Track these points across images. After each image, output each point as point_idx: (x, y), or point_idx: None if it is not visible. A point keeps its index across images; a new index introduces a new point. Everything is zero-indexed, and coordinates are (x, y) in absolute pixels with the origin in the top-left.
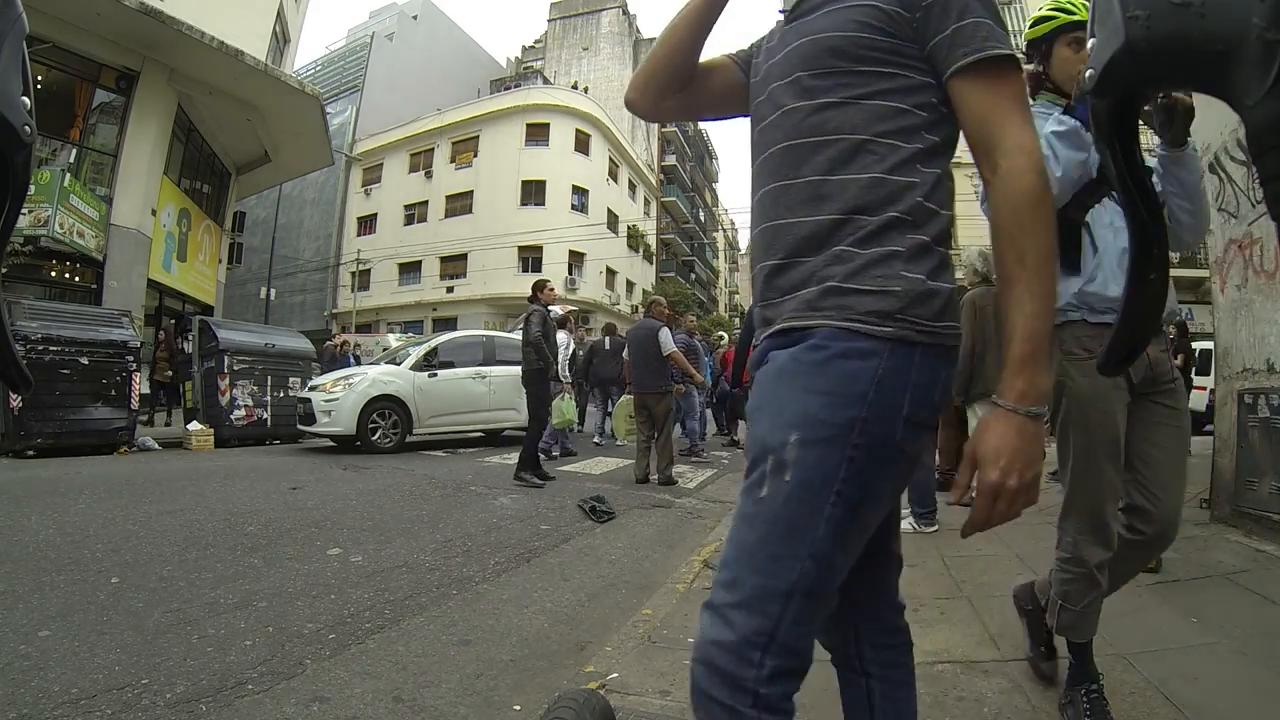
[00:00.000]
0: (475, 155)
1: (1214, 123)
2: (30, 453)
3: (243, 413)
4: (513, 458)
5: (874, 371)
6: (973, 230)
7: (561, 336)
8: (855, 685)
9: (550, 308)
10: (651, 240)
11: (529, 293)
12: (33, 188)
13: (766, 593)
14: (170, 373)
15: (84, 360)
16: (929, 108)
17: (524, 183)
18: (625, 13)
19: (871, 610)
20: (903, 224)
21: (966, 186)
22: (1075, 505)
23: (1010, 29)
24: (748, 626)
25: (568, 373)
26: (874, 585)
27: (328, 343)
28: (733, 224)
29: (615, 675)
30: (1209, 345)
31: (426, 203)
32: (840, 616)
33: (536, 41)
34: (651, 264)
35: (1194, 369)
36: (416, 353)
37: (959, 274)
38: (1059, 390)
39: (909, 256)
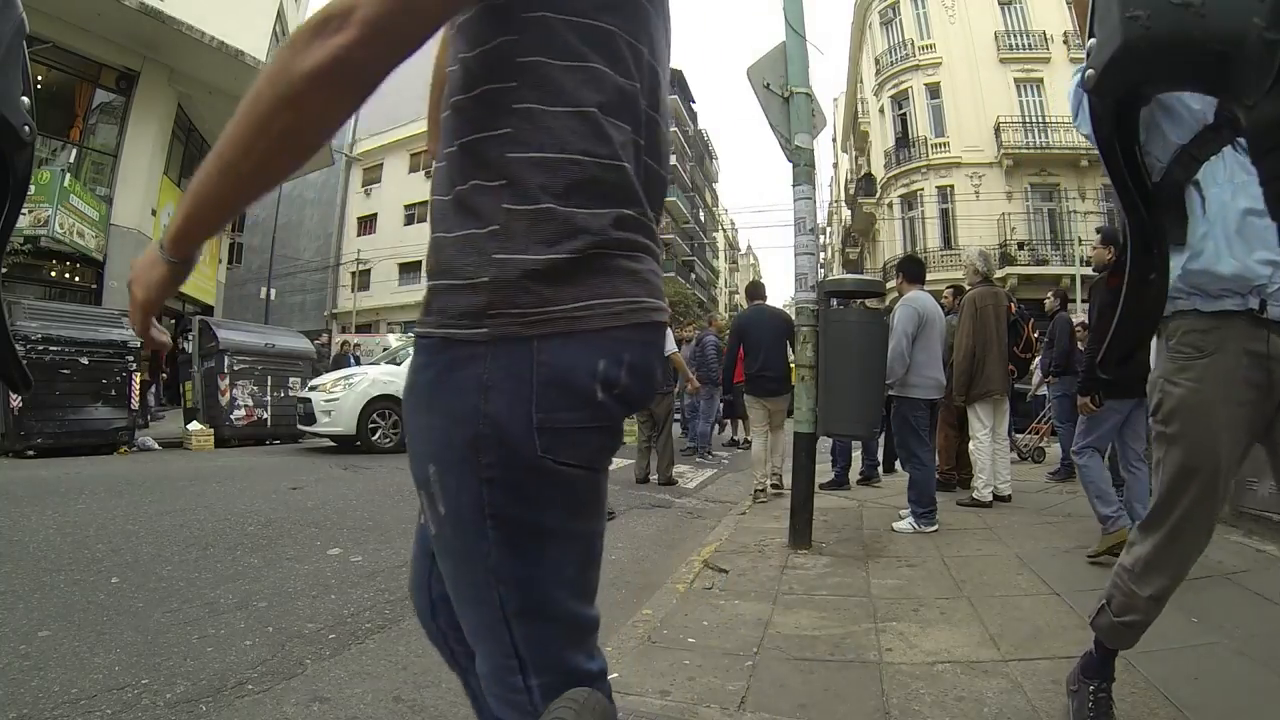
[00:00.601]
0: None
1: None
2: (30, 453)
3: (243, 413)
4: None
5: (479, 381)
6: (973, 230)
7: None
8: (465, 681)
9: None
10: None
11: None
12: (33, 188)
13: (487, 621)
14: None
15: (84, 360)
16: (514, 25)
17: None
18: None
19: (449, 611)
20: (485, 191)
21: (966, 186)
22: (1152, 527)
23: (1010, 29)
24: (494, 655)
25: None
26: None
27: (315, 342)
28: (733, 224)
29: (615, 675)
30: None
31: (427, 203)
32: (425, 612)
33: None
34: None
35: None
36: None
37: (959, 274)
38: (1158, 396)
39: (500, 232)
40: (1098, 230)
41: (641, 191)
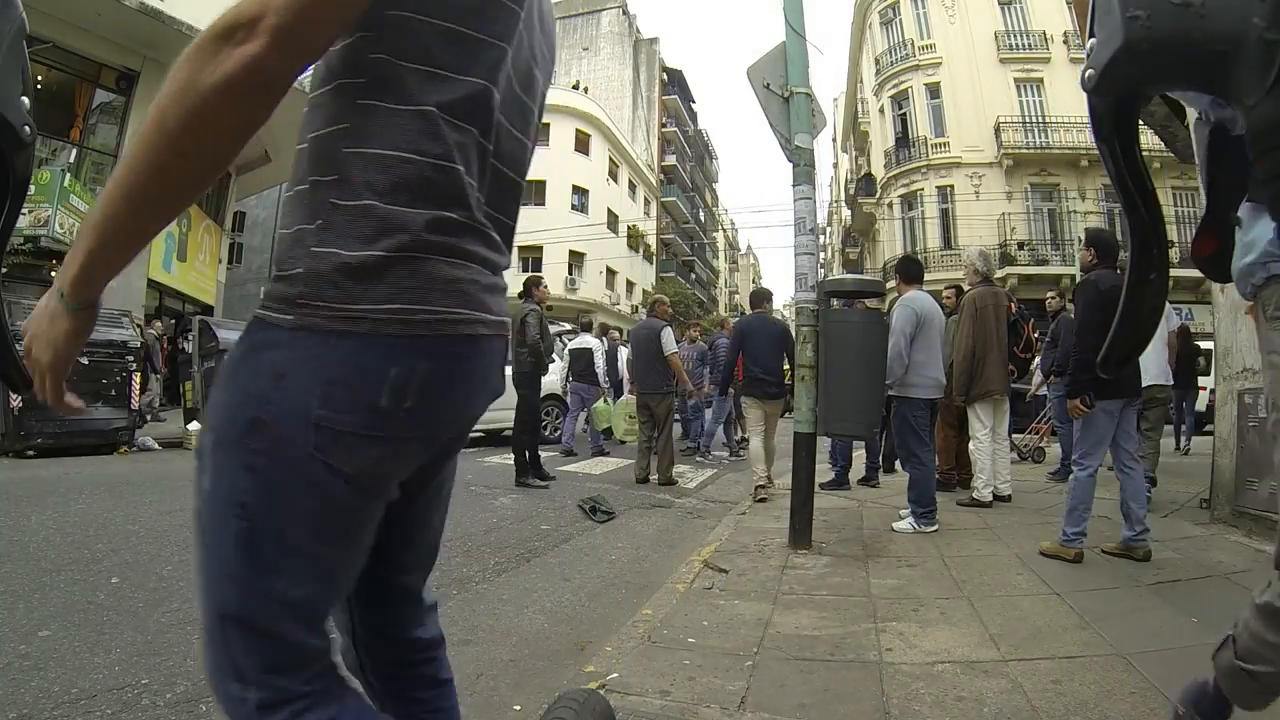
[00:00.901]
0: None
1: None
2: (30, 453)
3: None
4: (513, 458)
5: (274, 366)
6: (973, 230)
7: (595, 342)
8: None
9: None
10: (651, 240)
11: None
12: (33, 188)
13: (209, 614)
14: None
15: (84, 360)
16: (373, 23)
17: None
18: (625, 13)
19: (376, 639)
20: (320, 187)
21: (966, 186)
22: None
23: (1010, 29)
24: (212, 654)
25: (607, 379)
26: (375, 611)
27: None
28: (733, 224)
29: (615, 675)
30: (1209, 345)
31: None
32: (349, 630)
33: None
34: (651, 264)
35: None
36: None
37: (959, 274)
38: (1270, 376)
39: (323, 227)
40: (1085, 230)
41: (478, 195)
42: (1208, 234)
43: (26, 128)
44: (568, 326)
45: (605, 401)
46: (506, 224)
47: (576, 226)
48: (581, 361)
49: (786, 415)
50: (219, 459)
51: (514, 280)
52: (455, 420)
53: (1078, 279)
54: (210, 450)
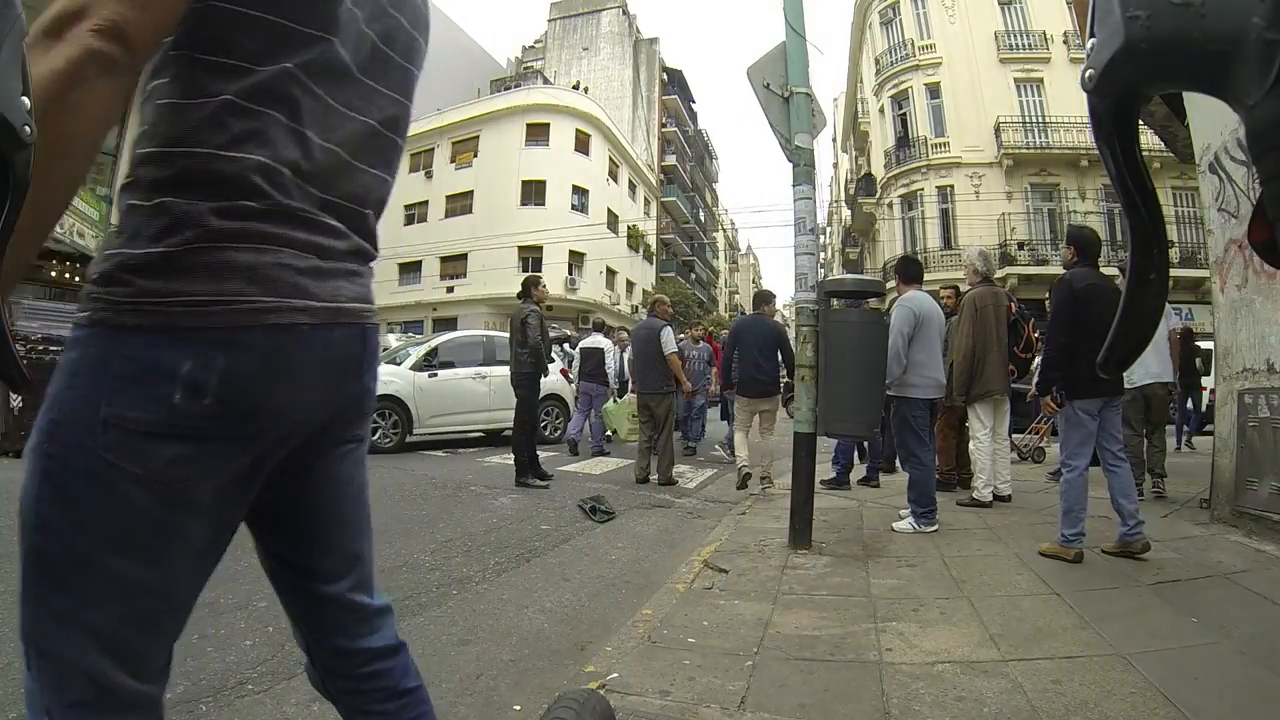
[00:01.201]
0: (475, 155)
1: (1214, 123)
2: None
3: None
4: (513, 458)
5: (69, 365)
6: (973, 230)
7: (606, 342)
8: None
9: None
10: (651, 240)
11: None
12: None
13: (20, 633)
14: None
15: None
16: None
17: (524, 183)
18: (625, 13)
19: (324, 653)
20: (122, 192)
21: (966, 186)
22: None
23: (1010, 29)
24: (26, 684)
25: (617, 380)
26: (314, 625)
27: None
28: (733, 224)
29: (615, 675)
30: (1209, 345)
31: (426, 203)
32: (304, 646)
33: (536, 41)
34: (651, 264)
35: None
36: (416, 353)
37: (959, 274)
38: None
39: (119, 230)
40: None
41: (295, 181)
42: (1264, 215)
43: (27, 128)
44: (569, 331)
45: (614, 400)
46: (351, 209)
47: (576, 226)
48: (592, 361)
49: (790, 416)
50: (29, 464)
51: (514, 280)
52: (289, 415)
53: None
54: (25, 456)
